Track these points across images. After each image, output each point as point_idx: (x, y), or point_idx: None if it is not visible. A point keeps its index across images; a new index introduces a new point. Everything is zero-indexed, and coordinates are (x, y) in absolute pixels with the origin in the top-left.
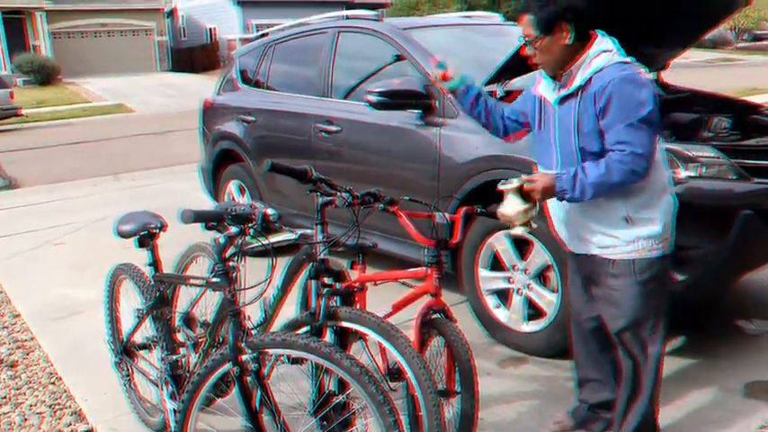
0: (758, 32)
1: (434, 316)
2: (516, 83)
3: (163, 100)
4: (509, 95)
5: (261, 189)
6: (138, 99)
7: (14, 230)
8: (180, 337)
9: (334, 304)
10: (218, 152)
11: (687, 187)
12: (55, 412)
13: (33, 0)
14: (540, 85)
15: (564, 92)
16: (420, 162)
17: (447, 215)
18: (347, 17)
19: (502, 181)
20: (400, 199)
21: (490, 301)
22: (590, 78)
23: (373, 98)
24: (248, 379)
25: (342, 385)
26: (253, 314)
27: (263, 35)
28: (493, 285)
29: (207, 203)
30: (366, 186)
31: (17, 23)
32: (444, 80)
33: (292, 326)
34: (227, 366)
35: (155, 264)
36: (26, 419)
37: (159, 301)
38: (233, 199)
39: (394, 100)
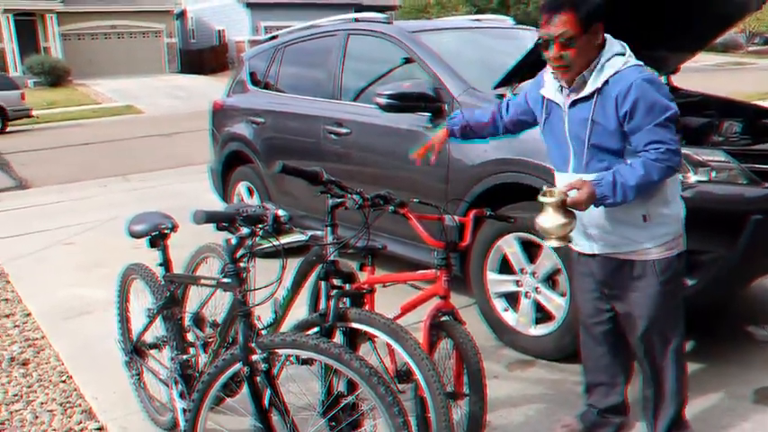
0: None
1: (443, 318)
2: (526, 86)
3: (172, 101)
4: None
5: (270, 191)
6: (148, 100)
7: (25, 230)
8: (190, 336)
9: (344, 305)
10: (228, 154)
11: (697, 191)
12: (66, 410)
13: (45, 2)
14: (546, 88)
15: (577, 96)
16: (429, 165)
17: (456, 218)
18: (357, 20)
19: (541, 192)
20: (410, 201)
21: (499, 305)
22: (606, 81)
23: (383, 101)
24: (258, 379)
25: (351, 386)
26: (263, 315)
27: (272, 37)
28: (501, 288)
29: (217, 205)
30: (375, 189)
31: (29, 25)
32: (430, 149)
33: (302, 326)
34: (237, 366)
35: (166, 264)
36: (37, 417)
37: (170, 301)
38: (242, 200)
39: (404, 103)
